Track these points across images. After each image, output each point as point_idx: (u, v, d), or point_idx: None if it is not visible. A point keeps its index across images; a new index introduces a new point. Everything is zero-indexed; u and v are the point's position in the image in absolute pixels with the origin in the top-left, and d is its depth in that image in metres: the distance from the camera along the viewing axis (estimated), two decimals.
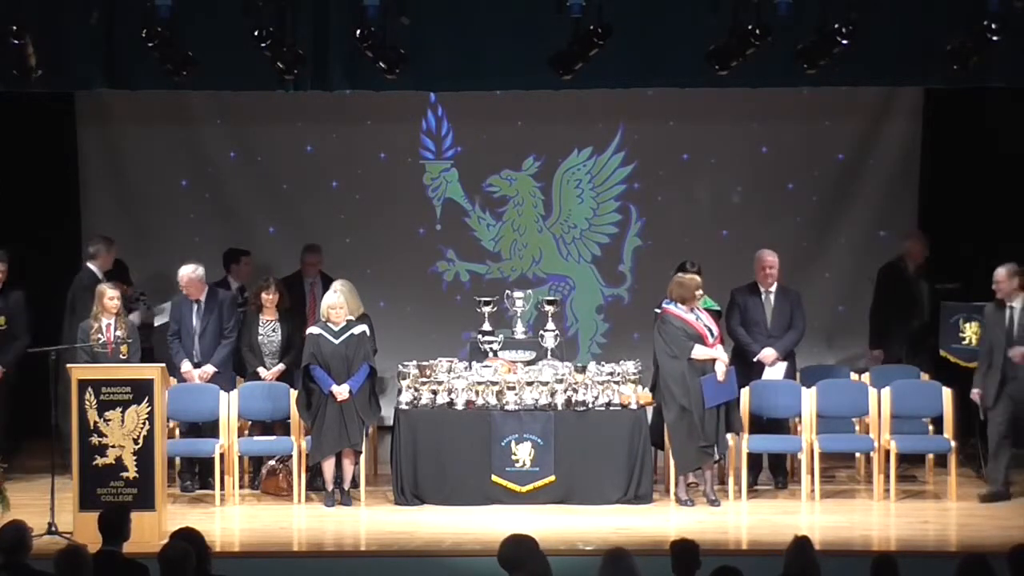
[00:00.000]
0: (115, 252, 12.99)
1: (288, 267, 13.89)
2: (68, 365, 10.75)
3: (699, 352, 11.48)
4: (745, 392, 11.87)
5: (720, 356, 11.52)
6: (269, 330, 12.29)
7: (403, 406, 11.70)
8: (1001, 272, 11.66)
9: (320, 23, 11.72)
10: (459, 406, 11.67)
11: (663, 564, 7.40)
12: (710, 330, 11.56)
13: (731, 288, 12.46)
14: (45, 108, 13.76)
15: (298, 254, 14.08)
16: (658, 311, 12.06)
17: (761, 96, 13.47)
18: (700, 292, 11.64)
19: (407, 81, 11.82)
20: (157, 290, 13.51)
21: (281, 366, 12.24)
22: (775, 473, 12.26)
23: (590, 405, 11.63)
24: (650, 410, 11.78)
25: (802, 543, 7.40)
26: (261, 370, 12.25)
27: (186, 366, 12.18)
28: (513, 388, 11.65)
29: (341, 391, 11.51)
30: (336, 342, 11.62)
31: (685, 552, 7.34)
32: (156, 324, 13.19)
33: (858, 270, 14.45)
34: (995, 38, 11.14)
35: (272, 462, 12.06)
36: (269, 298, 12.25)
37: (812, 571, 7.30)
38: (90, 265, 12.80)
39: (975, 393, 11.77)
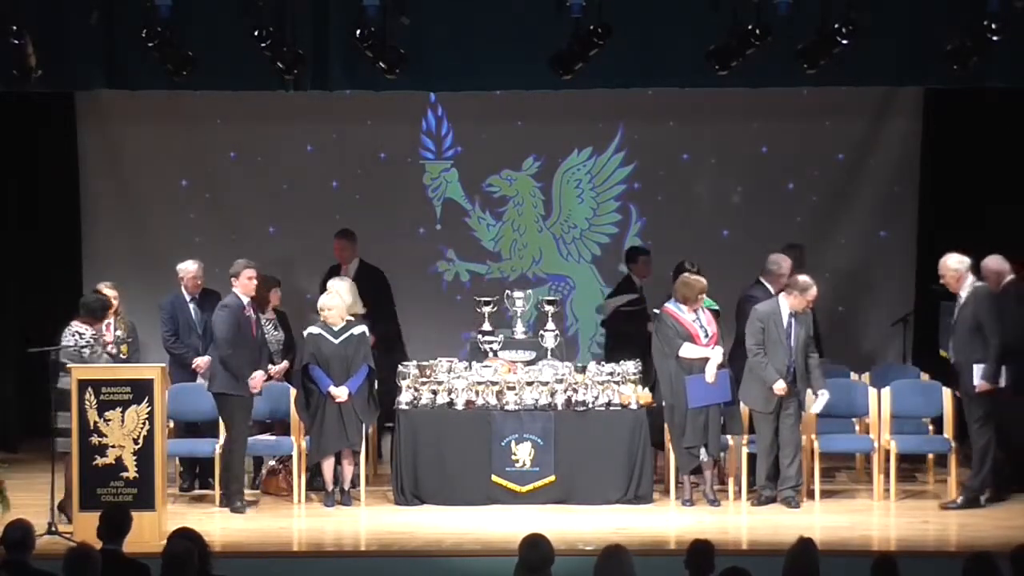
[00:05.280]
0: None
1: (288, 267, 13.87)
2: (68, 365, 10.74)
3: (687, 351, 11.47)
4: None
5: (711, 355, 11.45)
6: (271, 328, 12.34)
7: (403, 406, 11.68)
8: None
9: (320, 23, 11.74)
10: (459, 406, 11.66)
11: (663, 564, 7.41)
12: (705, 331, 11.54)
13: (728, 287, 12.32)
14: (45, 108, 13.77)
15: (298, 254, 14.07)
16: (657, 311, 12.07)
17: (761, 96, 13.46)
18: (703, 295, 11.61)
19: (407, 81, 11.84)
20: (155, 289, 13.46)
21: (285, 364, 12.25)
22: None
23: (590, 405, 11.62)
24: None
25: (806, 544, 7.34)
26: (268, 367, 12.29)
27: (200, 359, 12.13)
28: (513, 388, 11.65)
29: (340, 393, 11.49)
30: (336, 342, 11.61)
31: (699, 553, 7.29)
32: None
33: (858, 270, 14.46)
34: (995, 38, 11.16)
35: (272, 462, 12.06)
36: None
37: (813, 573, 7.27)
38: None
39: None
